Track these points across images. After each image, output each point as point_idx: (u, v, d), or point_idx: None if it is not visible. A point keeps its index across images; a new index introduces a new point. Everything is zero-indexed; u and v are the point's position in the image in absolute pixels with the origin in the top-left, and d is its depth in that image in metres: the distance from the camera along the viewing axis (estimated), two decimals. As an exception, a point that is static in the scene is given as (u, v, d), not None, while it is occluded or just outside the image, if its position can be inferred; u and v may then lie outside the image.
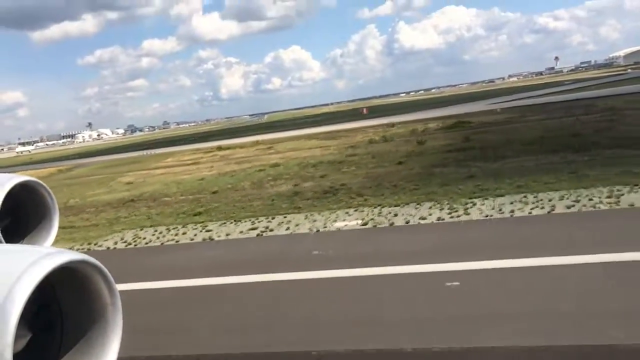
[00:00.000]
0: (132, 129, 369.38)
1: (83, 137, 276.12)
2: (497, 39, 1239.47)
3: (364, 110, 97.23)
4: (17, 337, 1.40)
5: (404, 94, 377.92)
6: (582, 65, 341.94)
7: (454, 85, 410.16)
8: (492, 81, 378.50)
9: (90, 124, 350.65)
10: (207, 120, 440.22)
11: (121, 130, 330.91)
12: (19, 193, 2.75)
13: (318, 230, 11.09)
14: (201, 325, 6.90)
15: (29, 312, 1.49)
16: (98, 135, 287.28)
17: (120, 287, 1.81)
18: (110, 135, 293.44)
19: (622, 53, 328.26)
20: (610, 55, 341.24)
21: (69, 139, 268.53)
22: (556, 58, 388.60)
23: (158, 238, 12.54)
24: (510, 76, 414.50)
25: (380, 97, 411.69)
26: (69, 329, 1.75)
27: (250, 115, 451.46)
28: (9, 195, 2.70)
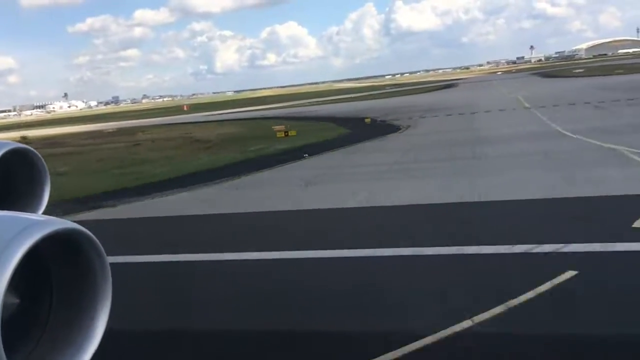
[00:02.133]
0: (115, 100, 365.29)
1: (53, 107, 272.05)
2: (495, 22, 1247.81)
3: (186, 107, 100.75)
4: (6, 304, 1.40)
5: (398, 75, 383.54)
6: (554, 56, 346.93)
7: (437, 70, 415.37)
8: (467, 68, 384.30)
9: (66, 95, 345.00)
10: (192, 94, 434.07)
11: (94, 102, 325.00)
12: (10, 160, 2.71)
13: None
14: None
15: (18, 280, 1.47)
16: (69, 106, 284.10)
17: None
18: (81, 106, 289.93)
19: (584, 46, 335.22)
20: (574, 48, 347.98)
21: (41, 109, 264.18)
22: (531, 47, 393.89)
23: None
24: (488, 62, 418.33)
25: (377, 77, 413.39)
26: (58, 298, 1.74)
27: (235, 91, 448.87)
28: (0, 162, 2.66)
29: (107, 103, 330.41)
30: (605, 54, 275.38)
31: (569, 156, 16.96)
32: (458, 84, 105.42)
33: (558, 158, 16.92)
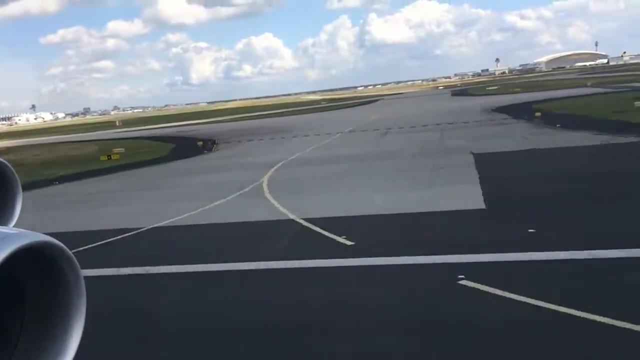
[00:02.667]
0: (86, 112, 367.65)
1: (19, 119, 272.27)
2: (466, 35, 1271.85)
3: (118, 123, 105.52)
4: None
5: (370, 87, 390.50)
6: (518, 68, 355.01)
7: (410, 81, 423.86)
8: (434, 79, 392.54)
9: (33, 106, 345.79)
10: (165, 105, 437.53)
11: (61, 114, 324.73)
12: None
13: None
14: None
15: None
16: (35, 118, 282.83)
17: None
18: (49, 118, 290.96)
19: (544, 59, 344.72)
20: (535, 61, 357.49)
21: (6, 121, 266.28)
22: (497, 60, 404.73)
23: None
24: (455, 74, 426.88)
25: (349, 88, 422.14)
26: (31, 312, 1.69)
27: (207, 102, 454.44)
28: None
29: (75, 115, 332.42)
30: (564, 67, 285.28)
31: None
32: (376, 100, 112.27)
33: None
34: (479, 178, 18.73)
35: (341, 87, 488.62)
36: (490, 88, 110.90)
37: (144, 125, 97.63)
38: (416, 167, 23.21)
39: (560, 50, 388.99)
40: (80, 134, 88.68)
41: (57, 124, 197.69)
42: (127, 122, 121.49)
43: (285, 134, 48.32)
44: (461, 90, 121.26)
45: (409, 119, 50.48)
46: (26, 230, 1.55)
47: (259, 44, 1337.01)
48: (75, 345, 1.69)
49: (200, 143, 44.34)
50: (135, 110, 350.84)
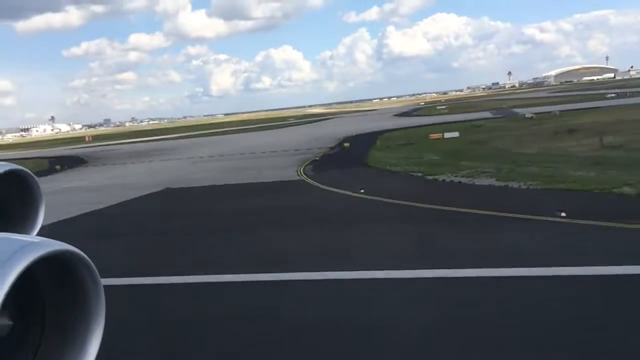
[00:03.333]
0: (106, 123, 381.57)
1: (37, 130, 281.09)
2: (485, 48, 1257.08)
3: (88, 138, 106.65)
4: None
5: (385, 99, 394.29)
6: (529, 82, 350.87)
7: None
8: (445, 93, 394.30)
9: (52, 118, 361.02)
10: (183, 117, 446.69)
11: (79, 126, 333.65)
12: (5, 181, 2.70)
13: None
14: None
15: (11, 301, 1.46)
16: (52, 129, 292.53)
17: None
18: (66, 129, 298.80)
19: (553, 73, 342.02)
20: (543, 75, 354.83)
21: (24, 132, 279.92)
22: (509, 73, 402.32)
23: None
24: (468, 88, 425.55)
25: (365, 100, 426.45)
26: (51, 320, 1.73)
27: (224, 114, 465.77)
28: None
29: (92, 126, 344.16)
30: (571, 81, 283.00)
31: None
32: (325, 119, 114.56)
33: None
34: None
35: (358, 99, 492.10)
36: (439, 108, 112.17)
37: (118, 140, 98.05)
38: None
39: (581, 63, 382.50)
40: (39, 150, 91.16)
41: (43, 137, 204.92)
42: (107, 136, 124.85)
43: (154, 157, 51.21)
44: (409, 112, 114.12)
45: (269, 145, 52.89)
46: (48, 239, 1.60)
47: (277, 57, 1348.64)
48: (95, 351, 1.72)
49: (57, 167, 46.56)
50: (151, 122, 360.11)
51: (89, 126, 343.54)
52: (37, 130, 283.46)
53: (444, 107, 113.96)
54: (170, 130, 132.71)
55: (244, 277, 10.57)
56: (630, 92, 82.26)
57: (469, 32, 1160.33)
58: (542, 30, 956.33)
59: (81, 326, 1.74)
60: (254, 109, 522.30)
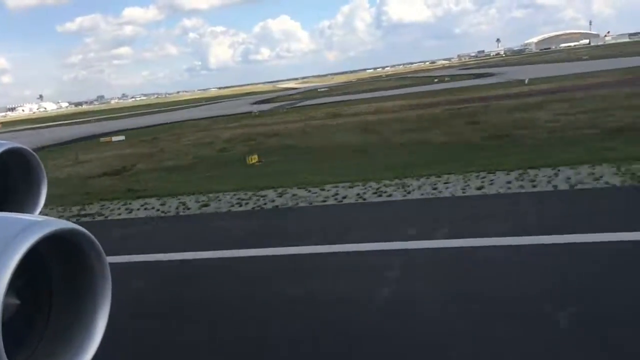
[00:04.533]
0: (99, 99, 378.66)
1: (23, 109, 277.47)
2: (487, 12, 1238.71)
3: None
4: (6, 305, 1.39)
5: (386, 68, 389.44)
6: (516, 49, 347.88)
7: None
8: (433, 62, 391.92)
9: (41, 96, 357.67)
10: (178, 92, 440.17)
11: (65, 104, 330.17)
12: (6, 160, 2.67)
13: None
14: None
15: (17, 281, 1.46)
16: (38, 108, 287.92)
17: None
18: (52, 107, 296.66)
19: (534, 40, 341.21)
20: (525, 42, 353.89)
21: (10, 111, 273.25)
22: (497, 40, 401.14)
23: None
24: (459, 56, 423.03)
25: (369, 69, 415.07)
26: (58, 298, 1.72)
27: (218, 87, 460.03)
28: None
29: (79, 104, 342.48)
30: (549, 48, 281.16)
31: None
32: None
33: None
34: None
35: (360, 68, 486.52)
36: (320, 90, 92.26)
37: (32, 124, 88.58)
38: None
39: (585, 27, 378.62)
40: None
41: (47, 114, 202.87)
42: (47, 119, 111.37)
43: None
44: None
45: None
46: (52, 218, 1.58)
47: (275, 27, 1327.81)
48: (102, 328, 1.72)
49: None
50: (138, 98, 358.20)
51: (77, 104, 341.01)
52: (22, 110, 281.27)
53: (326, 89, 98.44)
54: (134, 108, 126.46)
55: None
56: (447, 77, 75.11)
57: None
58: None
59: (88, 304, 1.72)
60: (253, 81, 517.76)
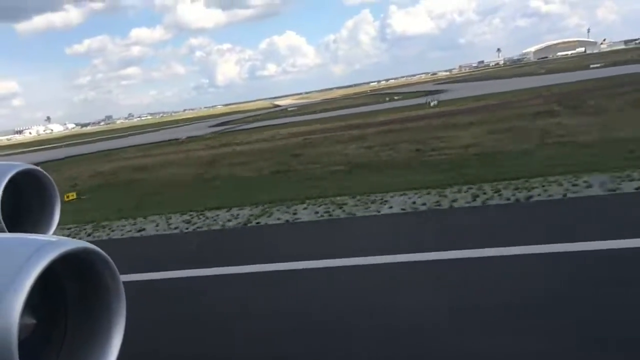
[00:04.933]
0: (108, 120, 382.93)
1: (30, 132, 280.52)
2: (490, 22, 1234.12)
3: None
4: (22, 325, 1.39)
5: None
6: (519, 58, 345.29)
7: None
8: (434, 74, 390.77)
9: (48, 118, 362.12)
10: (184, 110, 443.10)
11: (72, 125, 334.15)
12: (21, 181, 2.70)
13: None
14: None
15: (33, 301, 1.46)
16: (44, 130, 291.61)
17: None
18: (59, 129, 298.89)
19: (532, 49, 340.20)
20: (523, 51, 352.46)
21: (18, 134, 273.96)
22: (498, 50, 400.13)
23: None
24: (460, 66, 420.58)
25: (374, 82, 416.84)
26: (74, 318, 1.73)
27: (224, 105, 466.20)
28: (10, 184, 2.63)
29: (84, 125, 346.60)
30: (546, 57, 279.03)
31: None
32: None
33: None
34: None
35: (366, 81, 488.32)
36: (290, 109, 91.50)
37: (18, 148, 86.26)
38: None
39: (587, 34, 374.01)
40: None
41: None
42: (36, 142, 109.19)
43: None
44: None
45: None
46: (66, 238, 1.59)
47: (281, 43, 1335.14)
48: (118, 347, 1.72)
49: None
50: (142, 118, 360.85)
51: (84, 125, 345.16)
52: (30, 132, 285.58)
53: (295, 107, 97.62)
54: (129, 128, 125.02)
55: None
56: (398, 95, 73.73)
57: (473, 7, 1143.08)
58: (547, 2, 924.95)
59: (103, 323, 1.72)
60: (261, 97, 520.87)
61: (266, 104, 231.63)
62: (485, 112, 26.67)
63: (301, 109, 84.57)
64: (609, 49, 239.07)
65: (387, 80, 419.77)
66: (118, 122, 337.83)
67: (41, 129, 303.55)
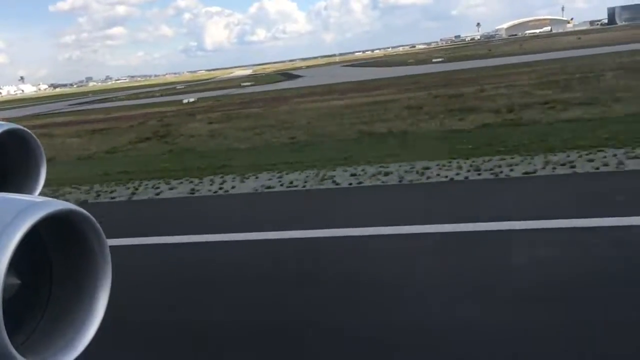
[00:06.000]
0: (88, 81, 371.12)
1: (0, 92, 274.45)
2: None
3: None
4: (6, 285, 1.36)
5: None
6: (492, 34, 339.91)
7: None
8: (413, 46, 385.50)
9: (22, 78, 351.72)
10: (166, 74, 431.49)
11: (44, 86, 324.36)
12: (4, 141, 2.59)
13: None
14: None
15: (18, 261, 1.43)
16: (15, 91, 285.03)
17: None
18: (31, 89, 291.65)
19: (504, 26, 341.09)
20: (496, 28, 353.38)
21: None
22: (478, 24, 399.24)
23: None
24: (441, 39, 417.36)
25: (367, 51, 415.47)
26: (58, 279, 1.70)
27: (207, 70, 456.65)
28: None
29: (56, 86, 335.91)
30: (516, 34, 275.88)
31: None
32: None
33: None
34: None
35: (358, 50, 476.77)
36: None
37: None
38: None
39: (584, 8, 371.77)
40: None
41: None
42: None
43: None
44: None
45: None
46: (52, 199, 1.54)
47: (271, 8, 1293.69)
48: (103, 309, 1.70)
49: None
50: (120, 81, 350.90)
51: (56, 86, 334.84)
52: (0, 92, 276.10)
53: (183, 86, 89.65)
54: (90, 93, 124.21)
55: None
56: (160, 90, 72.53)
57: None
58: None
59: (89, 285, 1.69)
60: (250, 63, 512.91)
61: (220, 73, 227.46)
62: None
63: (169, 90, 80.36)
64: (574, 29, 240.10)
65: (372, 50, 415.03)
66: (90, 84, 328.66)
67: (12, 89, 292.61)
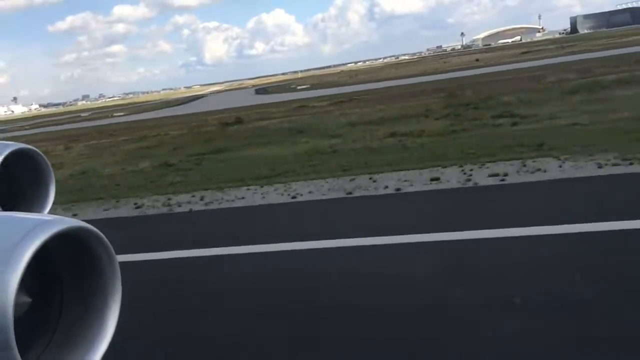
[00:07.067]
0: (84, 98, 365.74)
1: None
2: (479, 2, 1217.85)
3: None
4: (17, 303, 1.34)
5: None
6: (469, 44, 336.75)
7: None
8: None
9: (15, 98, 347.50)
10: (163, 89, 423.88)
11: (35, 106, 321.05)
12: (13, 162, 2.59)
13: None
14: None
15: (29, 279, 1.41)
16: (5, 111, 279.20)
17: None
18: (21, 110, 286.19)
19: (481, 36, 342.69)
20: (473, 38, 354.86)
21: None
22: (462, 34, 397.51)
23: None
24: (428, 50, 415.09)
25: (366, 61, 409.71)
26: (69, 297, 1.67)
27: (200, 85, 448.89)
28: (4, 163, 2.55)
29: (45, 106, 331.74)
30: (490, 44, 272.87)
31: None
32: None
33: None
34: None
35: (356, 60, 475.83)
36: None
37: None
38: None
39: (582, 11, 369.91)
40: None
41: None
42: None
43: None
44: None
45: None
46: (61, 216, 1.51)
47: (269, 21, 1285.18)
48: (113, 326, 1.68)
49: None
50: (111, 98, 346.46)
51: (45, 106, 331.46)
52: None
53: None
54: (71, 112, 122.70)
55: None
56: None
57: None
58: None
59: (99, 302, 1.66)
60: (249, 76, 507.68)
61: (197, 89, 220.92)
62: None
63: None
64: (542, 38, 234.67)
65: (364, 62, 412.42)
66: (79, 103, 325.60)
67: (2, 110, 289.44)
